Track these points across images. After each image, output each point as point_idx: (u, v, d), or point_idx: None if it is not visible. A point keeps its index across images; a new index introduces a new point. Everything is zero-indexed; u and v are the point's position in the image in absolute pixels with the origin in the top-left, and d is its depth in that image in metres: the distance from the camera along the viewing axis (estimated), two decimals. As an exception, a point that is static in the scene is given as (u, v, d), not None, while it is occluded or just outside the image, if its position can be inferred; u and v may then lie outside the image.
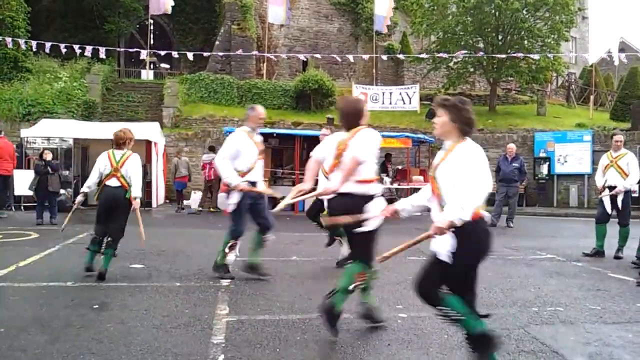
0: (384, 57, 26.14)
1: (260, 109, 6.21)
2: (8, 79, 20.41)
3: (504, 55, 21.97)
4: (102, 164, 6.23)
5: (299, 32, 31.10)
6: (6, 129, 16.78)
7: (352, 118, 4.38)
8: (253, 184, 6.03)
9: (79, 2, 28.01)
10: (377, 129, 6.42)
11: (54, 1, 28.65)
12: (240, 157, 5.94)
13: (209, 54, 24.13)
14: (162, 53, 23.47)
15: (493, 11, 22.68)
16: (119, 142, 6.29)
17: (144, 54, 22.97)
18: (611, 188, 8.29)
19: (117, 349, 3.92)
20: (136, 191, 6.10)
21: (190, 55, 21.89)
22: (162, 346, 3.98)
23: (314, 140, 16.55)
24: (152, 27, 28.30)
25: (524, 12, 22.82)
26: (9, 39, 20.10)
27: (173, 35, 31.77)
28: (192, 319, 4.65)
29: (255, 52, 25.36)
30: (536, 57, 21.70)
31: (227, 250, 6.14)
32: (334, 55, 24.80)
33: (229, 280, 6.13)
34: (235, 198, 5.91)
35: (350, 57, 24.13)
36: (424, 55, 24.16)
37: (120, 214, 6.15)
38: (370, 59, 27.00)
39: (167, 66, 32.61)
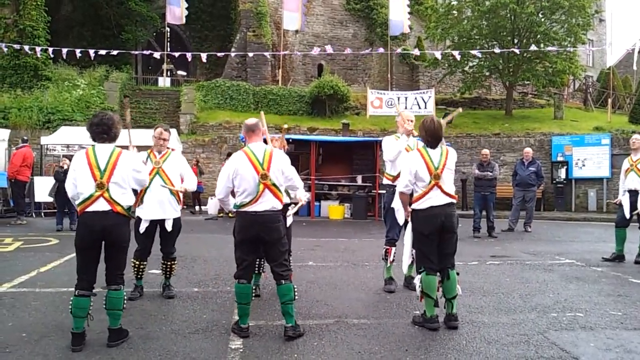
0: (399, 50, 26.16)
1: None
2: (28, 87, 20.79)
3: (517, 49, 21.75)
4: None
5: (314, 38, 31.17)
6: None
7: None
8: None
9: (97, 11, 28.53)
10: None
11: (73, 11, 29.17)
12: None
13: (222, 53, 24.34)
14: (176, 55, 23.82)
15: (508, 15, 22.54)
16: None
17: (157, 55, 23.28)
18: (631, 191, 8.19)
19: (137, 353, 3.97)
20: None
21: (203, 57, 22.10)
22: (180, 351, 4.02)
23: (330, 146, 16.78)
24: (168, 35, 28.59)
25: (540, 15, 22.64)
26: (26, 47, 20.45)
27: (189, 43, 32.07)
28: (210, 324, 4.69)
29: (268, 54, 25.53)
30: (552, 49, 21.45)
31: None
32: (348, 53, 24.90)
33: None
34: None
35: (364, 52, 24.19)
36: (438, 53, 23.94)
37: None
38: (385, 64, 26.99)
39: (184, 73, 32.90)
